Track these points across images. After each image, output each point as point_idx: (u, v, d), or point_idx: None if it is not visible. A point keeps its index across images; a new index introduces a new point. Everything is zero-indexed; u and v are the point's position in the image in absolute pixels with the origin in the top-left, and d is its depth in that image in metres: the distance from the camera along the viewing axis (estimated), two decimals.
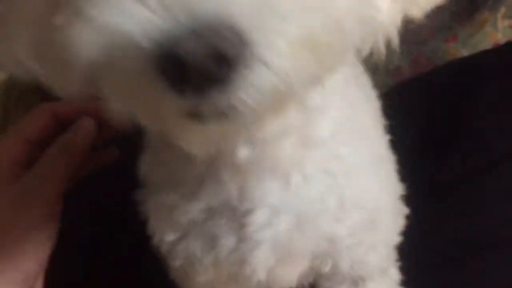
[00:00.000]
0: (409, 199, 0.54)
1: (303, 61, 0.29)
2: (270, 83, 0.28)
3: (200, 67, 0.27)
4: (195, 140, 0.33)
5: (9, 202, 0.53)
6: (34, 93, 0.86)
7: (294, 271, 0.49)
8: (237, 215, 0.45)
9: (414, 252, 0.57)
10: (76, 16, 0.29)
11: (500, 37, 0.93)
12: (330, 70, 0.32)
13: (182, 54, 0.27)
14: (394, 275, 0.58)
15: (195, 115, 0.30)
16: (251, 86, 0.28)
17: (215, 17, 0.27)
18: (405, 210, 0.54)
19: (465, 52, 0.92)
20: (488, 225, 0.62)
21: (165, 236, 0.48)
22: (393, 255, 0.56)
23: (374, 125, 0.51)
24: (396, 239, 0.54)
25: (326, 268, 0.50)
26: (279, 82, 0.28)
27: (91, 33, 0.28)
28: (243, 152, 0.41)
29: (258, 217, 0.45)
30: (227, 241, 0.46)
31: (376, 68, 0.87)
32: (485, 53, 0.78)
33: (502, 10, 0.94)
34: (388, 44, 0.38)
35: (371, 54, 0.38)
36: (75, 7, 0.29)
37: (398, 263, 0.58)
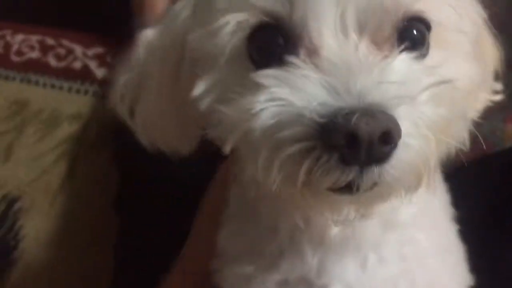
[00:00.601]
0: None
1: (430, 142, 0.34)
2: (413, 160, 0.34)
3: (372, 145, 0.32)
4: (329, 209, 0.38)
5: None
6: (106, 145, 0.91)
7: None
8: None
9: None
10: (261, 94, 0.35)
11: None
12: (440, 154, 0.38)
13: (360, 131, 0.32)
14: None
15: (345, 188, 0.34)
16: (400, 163, 0.33)
17: (380, 102, 0.33)
18: None
19: None
20: None
21: None
22: None
23: (444, 214, 0.53)
24: None
25: None
26: (419, 160, 0.34)
27: (276, 110, 0.34)
28: (334, 229, 0.44)
29: None
30: None
31: None
32: None
33: None
34: None
35: None
36: (261, 88, 0.35)
37: None
